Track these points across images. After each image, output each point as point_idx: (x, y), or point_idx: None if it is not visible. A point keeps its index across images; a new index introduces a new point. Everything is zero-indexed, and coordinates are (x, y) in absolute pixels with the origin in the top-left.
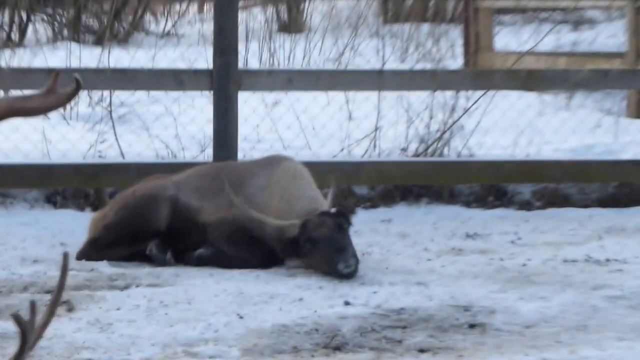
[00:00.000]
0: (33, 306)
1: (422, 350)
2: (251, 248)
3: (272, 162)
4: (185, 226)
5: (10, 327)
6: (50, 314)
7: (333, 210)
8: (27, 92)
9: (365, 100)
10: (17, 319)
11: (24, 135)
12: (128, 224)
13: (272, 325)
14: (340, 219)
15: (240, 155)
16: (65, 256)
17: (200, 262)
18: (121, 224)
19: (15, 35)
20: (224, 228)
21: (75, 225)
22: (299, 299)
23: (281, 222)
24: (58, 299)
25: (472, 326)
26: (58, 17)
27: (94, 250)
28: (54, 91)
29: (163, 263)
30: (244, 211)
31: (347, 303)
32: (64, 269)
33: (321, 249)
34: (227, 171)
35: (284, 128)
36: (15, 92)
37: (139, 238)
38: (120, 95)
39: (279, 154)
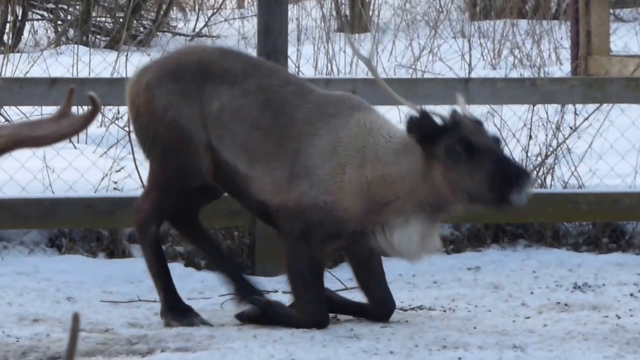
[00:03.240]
0: None
1: None
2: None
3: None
4: (233, 190)
5: None
6: None
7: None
8: (24, 108)
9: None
10: None
11: (20, 162)
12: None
13: None
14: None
15: None
16: (76, 318)
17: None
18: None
19: (8, 37)
20: (289, 225)
21: (85, 276)
22: None
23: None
24: None
25: None
26: (62, 14)
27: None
28: (67, 115)
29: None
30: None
31: None
32: (74, 334)
33: (484, 162)
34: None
35: None
36: (8, 109)
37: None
38: None
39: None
